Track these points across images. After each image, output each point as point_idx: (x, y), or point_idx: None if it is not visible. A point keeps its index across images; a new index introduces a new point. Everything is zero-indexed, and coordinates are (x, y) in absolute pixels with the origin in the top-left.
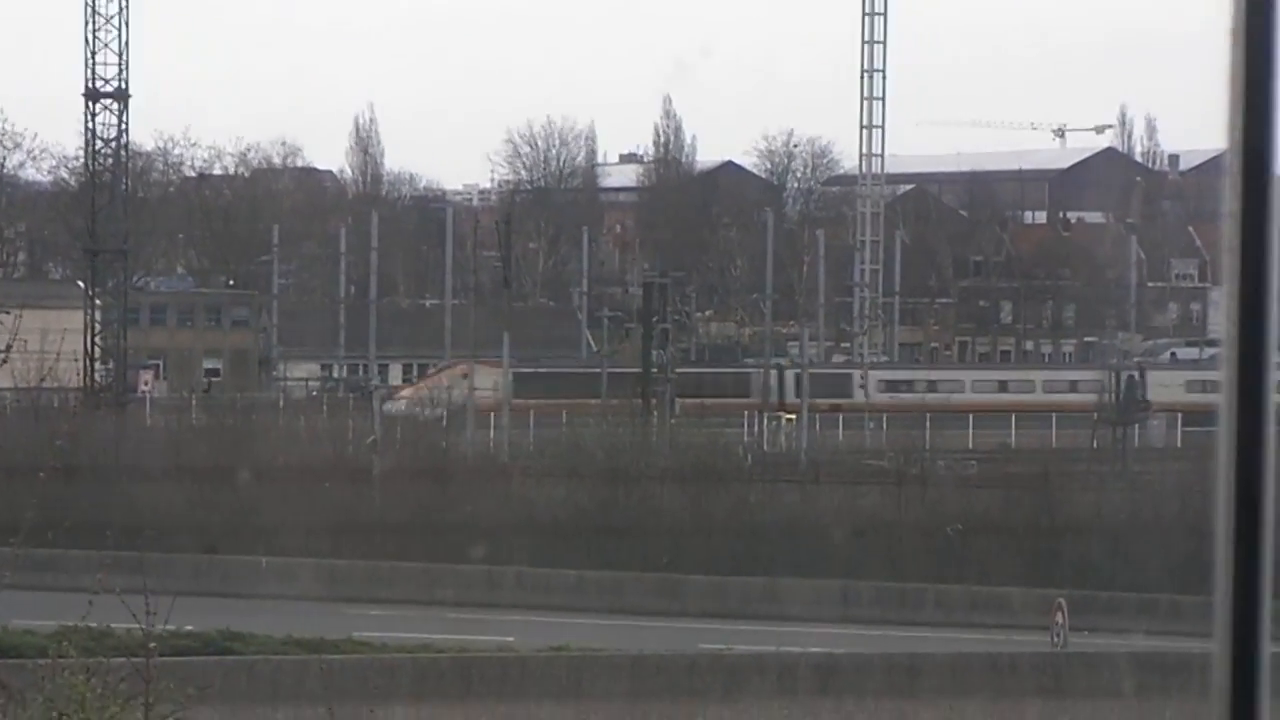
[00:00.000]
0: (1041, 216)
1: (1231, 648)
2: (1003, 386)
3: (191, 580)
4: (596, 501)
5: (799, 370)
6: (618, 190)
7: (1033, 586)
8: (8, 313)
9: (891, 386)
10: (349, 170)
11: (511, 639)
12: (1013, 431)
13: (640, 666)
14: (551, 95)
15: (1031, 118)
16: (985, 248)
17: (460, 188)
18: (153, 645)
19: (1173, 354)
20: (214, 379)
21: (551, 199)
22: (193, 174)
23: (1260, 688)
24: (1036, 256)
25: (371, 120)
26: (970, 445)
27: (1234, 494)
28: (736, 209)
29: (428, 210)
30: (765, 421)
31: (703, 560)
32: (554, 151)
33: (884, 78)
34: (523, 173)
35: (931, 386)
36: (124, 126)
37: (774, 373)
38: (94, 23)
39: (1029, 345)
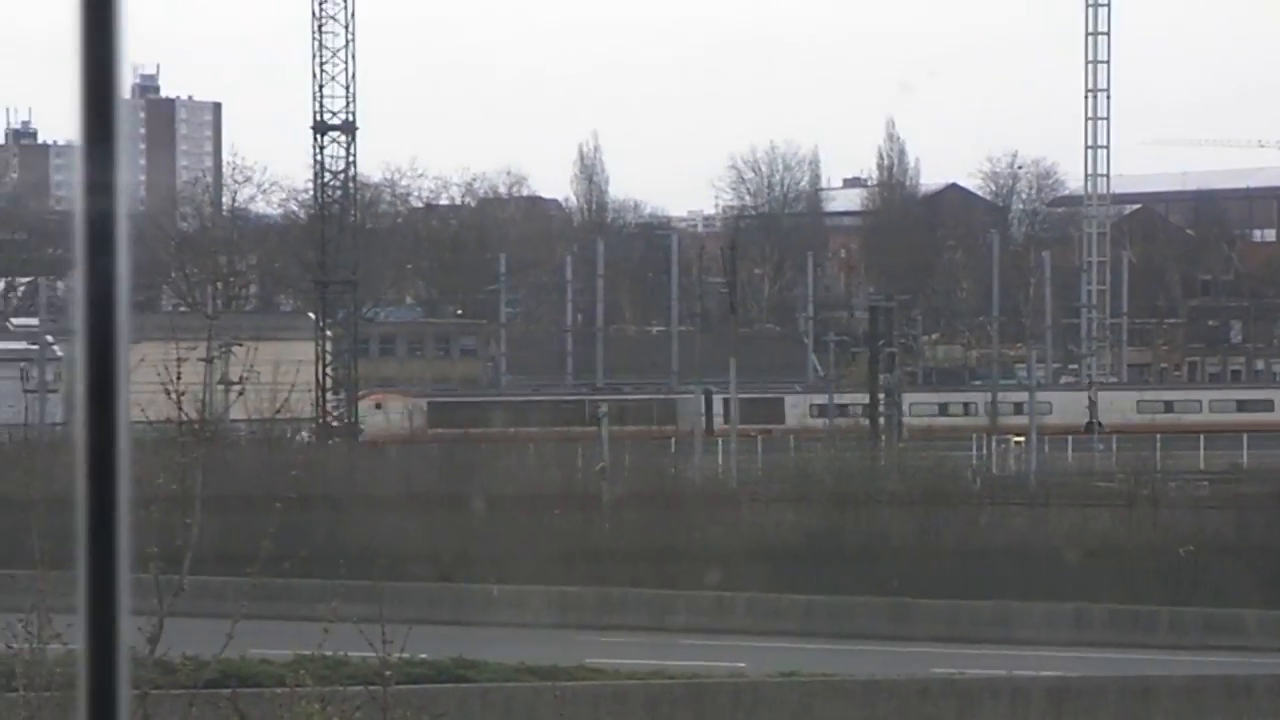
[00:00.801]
0: (1270, 234)
1: None
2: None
3: (425, 608)
4: (825, 526)
5: (726, 396)
6: (842, 214)
7: (1269, 609)
8: (240, 345)
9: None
10: (574, 198)
11: (743, 665)
12: (1244, 452)
13: (872, 692)
14: (775, 120)
15: (1259, 135)
16: (1213, 267)
17: (685, 214)
18: (388, 674)
19: None
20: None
21: (776, 224)
22: (420, 204)
23: None
24: (1266, 275)
25: (596, 148)
26: (1201, 466)
27: None
28: (961, 231)
29: (653, 237)
30: (994, 444)
31: (932, 584)
32: (778, 176)
33: (1108, 98)
34: (747, 198)
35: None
36: (352, 158)
37: (701, 398)
38: (321, 56)
39: (1259, 364)
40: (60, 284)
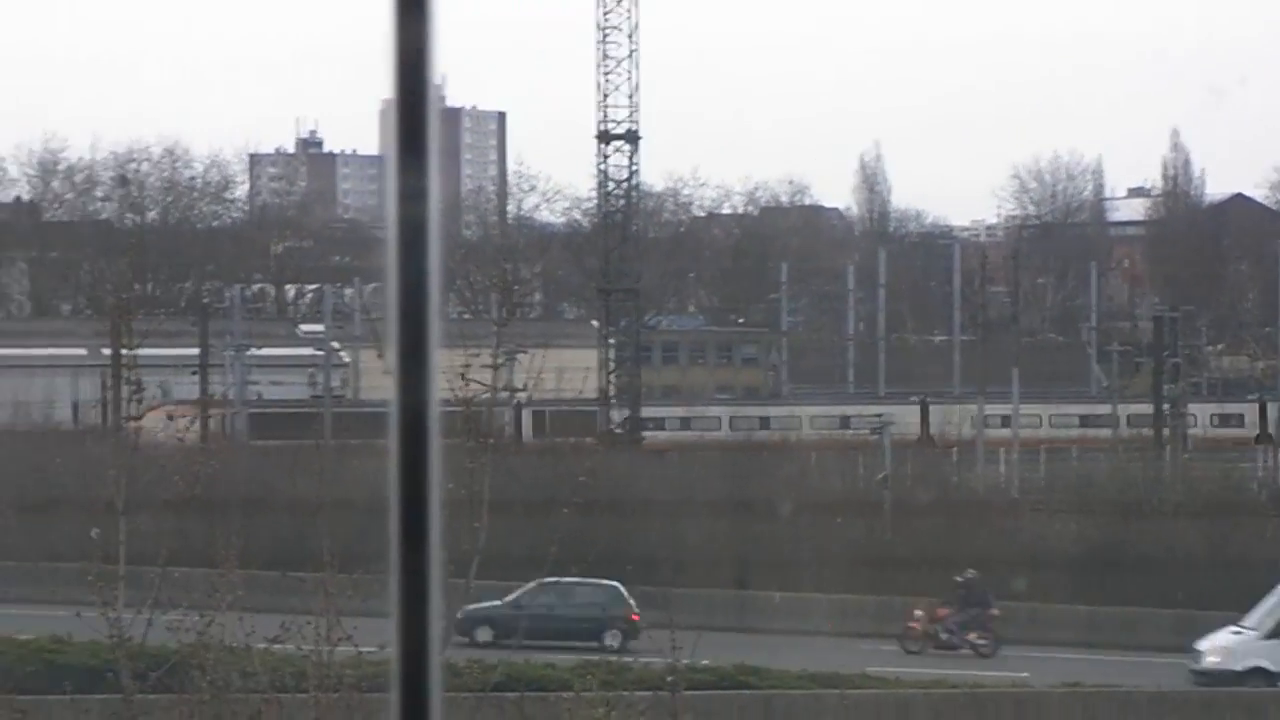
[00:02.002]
0: None
1: None
2: None
3: (707, 615)
4: (1108, 537)
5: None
6: (1126, 224)
7: None
8: (525, 352)
9: None
10: (855, 207)
11: (1026, 675)
12: None
13: (1158, 704)
14: (1058, 131)
15: None
16: None
17: (967, 224)
18: (671, 679)
19: None
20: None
21: (1058, 233)
22: (702, 213)
23: None
24: None
25: (878, 157)
26: None
27: None
28: (1248, 241)
29: (934, 246)
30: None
31: (1219, 596)
32: (1061, 186)
33: None
34: (1030, 208)
35: None
36: (635, 167)
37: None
38: (605, 66)
39: None
40: (347, 291)
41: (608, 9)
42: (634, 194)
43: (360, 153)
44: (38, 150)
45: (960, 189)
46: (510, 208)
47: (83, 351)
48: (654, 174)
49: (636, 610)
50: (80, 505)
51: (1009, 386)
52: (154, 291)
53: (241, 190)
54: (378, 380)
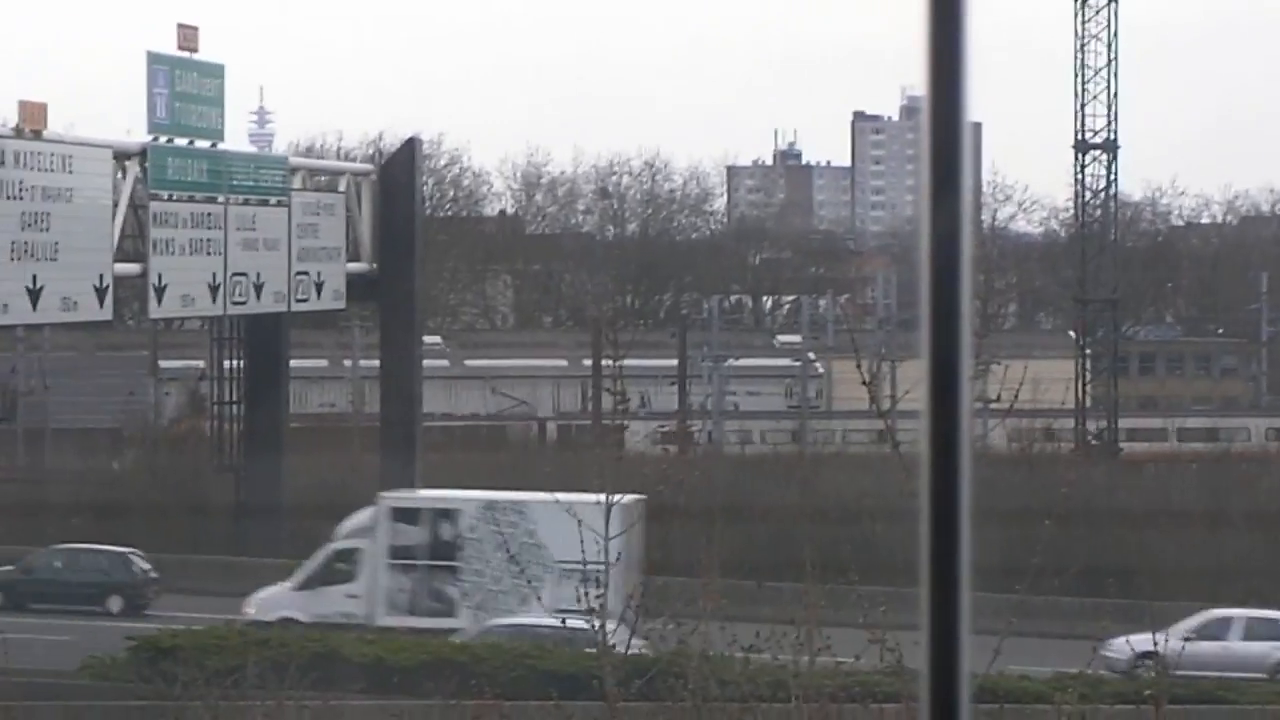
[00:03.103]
0: None
1: None
2: None
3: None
4: None
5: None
6: None
7: None
8: (999, 363)
9: None
10: None
11: None
12: None
13: None
14: None
15: None
16: None
17: None
18: (1147, 692)
19: None
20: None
21: None
22: (1180, 222)
23: None
24: None
25: None
26: None
27: None
28: None
29: None
30: None
31: None
32: None
33: None
34: None
35: None
36: (1113, 177)
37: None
38: (1083, 75)
39: None
40: (821, 302)
41: (1086, 18)
42: (1111, 204)
43: (834, 164)
44: (521, 164)
45: None
46: (985, 218)
47: (564, 363)
48: (1132, 183)
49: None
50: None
51: None
52: (633, 303)
53: (719, 202)
54: (852, 391)
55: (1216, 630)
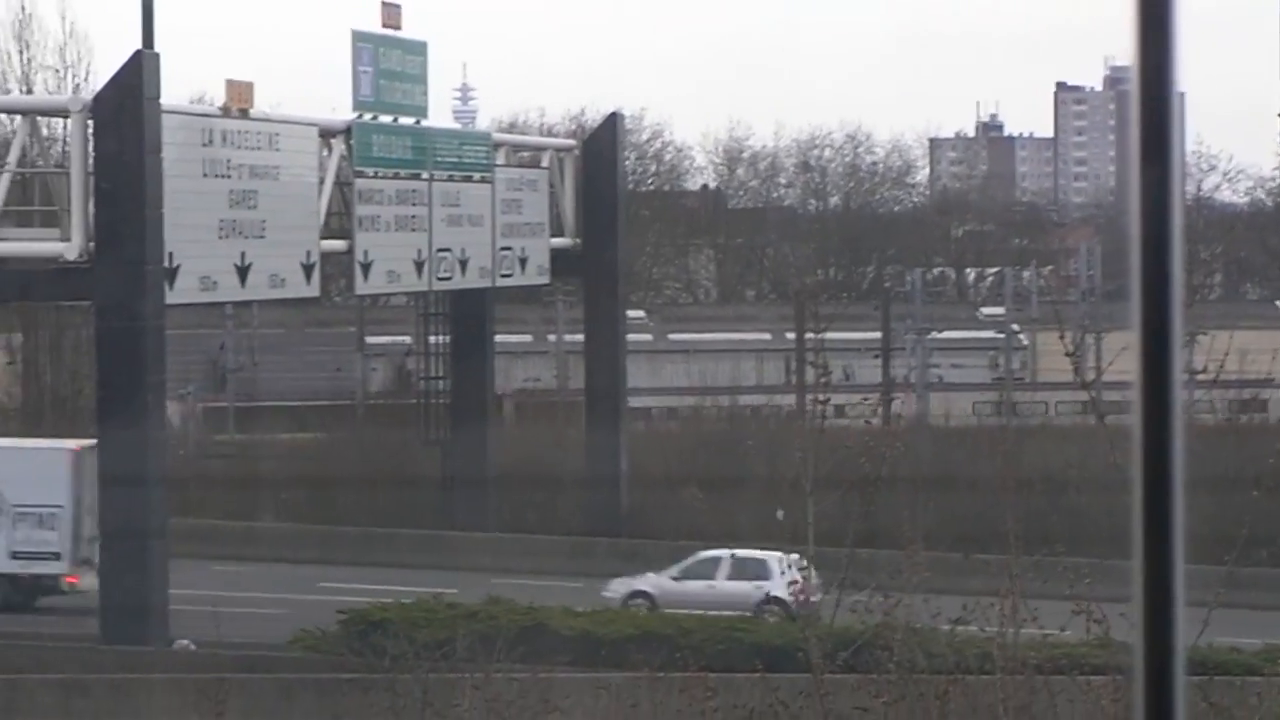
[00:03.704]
0: None
1: None
2: None
3: None
4: None
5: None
6: None
7: None
8: (1205, 334)
9: None
10: None
11: None
12: None
13: None
14: None
15: None
16: None
17: None
18: None
19: None
20: None
21: None
22: None
23: None
24: None
25: None
26: None
27: None
28: None
29: None
30: None
31: None
32: None
33: None
34: None
35: None
36: None
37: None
38: None
39: None
40: (1025, 274)
41: None
42: None
43: (1036, 135)
44: (723, 139)
45: None
46: (1190, 188)
47: (767, 336)
48: None
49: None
50: (768, 486)
51: None
52: (836, 276)
53: (922, 175)
54: (1056, 362)
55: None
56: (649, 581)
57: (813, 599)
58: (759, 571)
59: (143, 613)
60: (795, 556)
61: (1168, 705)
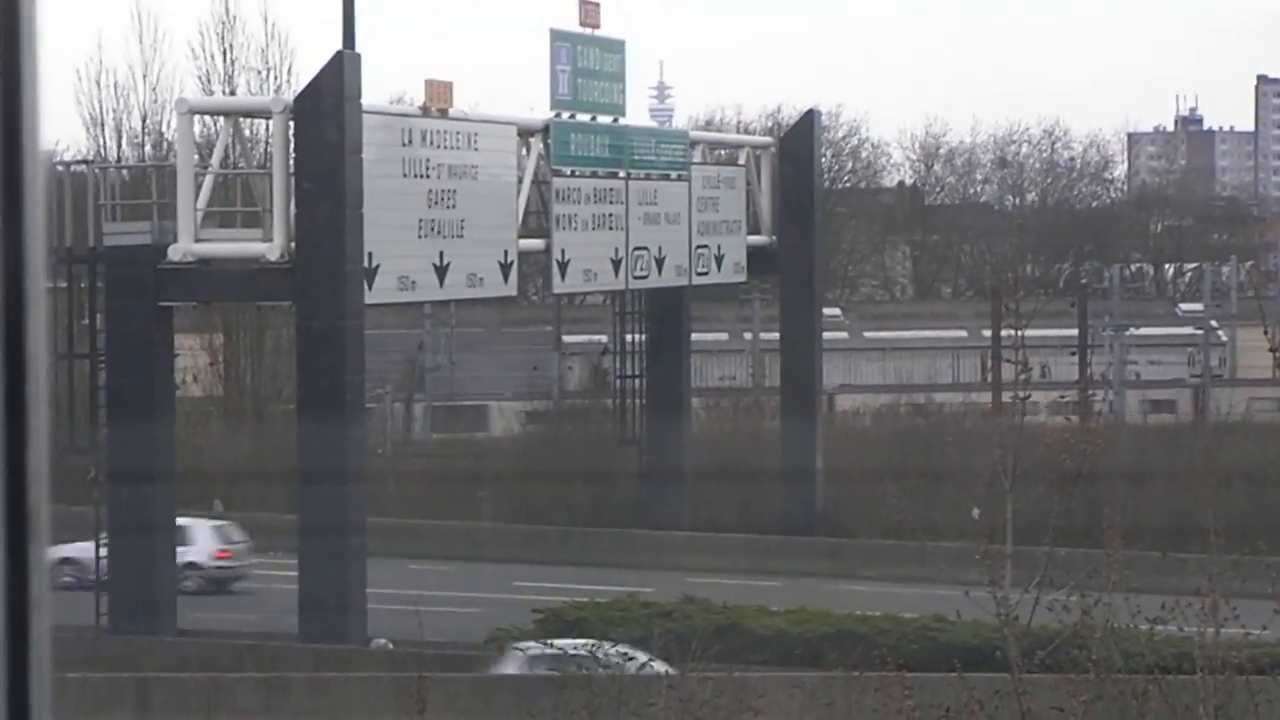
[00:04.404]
0: None
1: None
2: None
3: None
4: None
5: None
6: None
7: None
8: None
9: None
10: None
11: None
12: None
13: None
14: None
15: None
16: None
17: None
18: None
19: None
20: None
21: None
22: None
23: None
24: None
25: None
26: None
27: None
28: None
29: None
30: None
31: None
32: None
33: None
34: None
35: None
36: None
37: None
38: None
39: None
40: (1224, 269)
41: None
42: None
43: (1237, 129)
44: (920, 135)
45: None
46: None
47: (963, 333)
48: None
49: None
50: (964, 484)
51: None
52: (1033, 273)
53: (1120, 170)
54: (1257, 359)
55: None
56: (75, 549)
57: (239, 564)
58: (180, 538)
59: (341, 611)
60: (226, 523)
61: None
